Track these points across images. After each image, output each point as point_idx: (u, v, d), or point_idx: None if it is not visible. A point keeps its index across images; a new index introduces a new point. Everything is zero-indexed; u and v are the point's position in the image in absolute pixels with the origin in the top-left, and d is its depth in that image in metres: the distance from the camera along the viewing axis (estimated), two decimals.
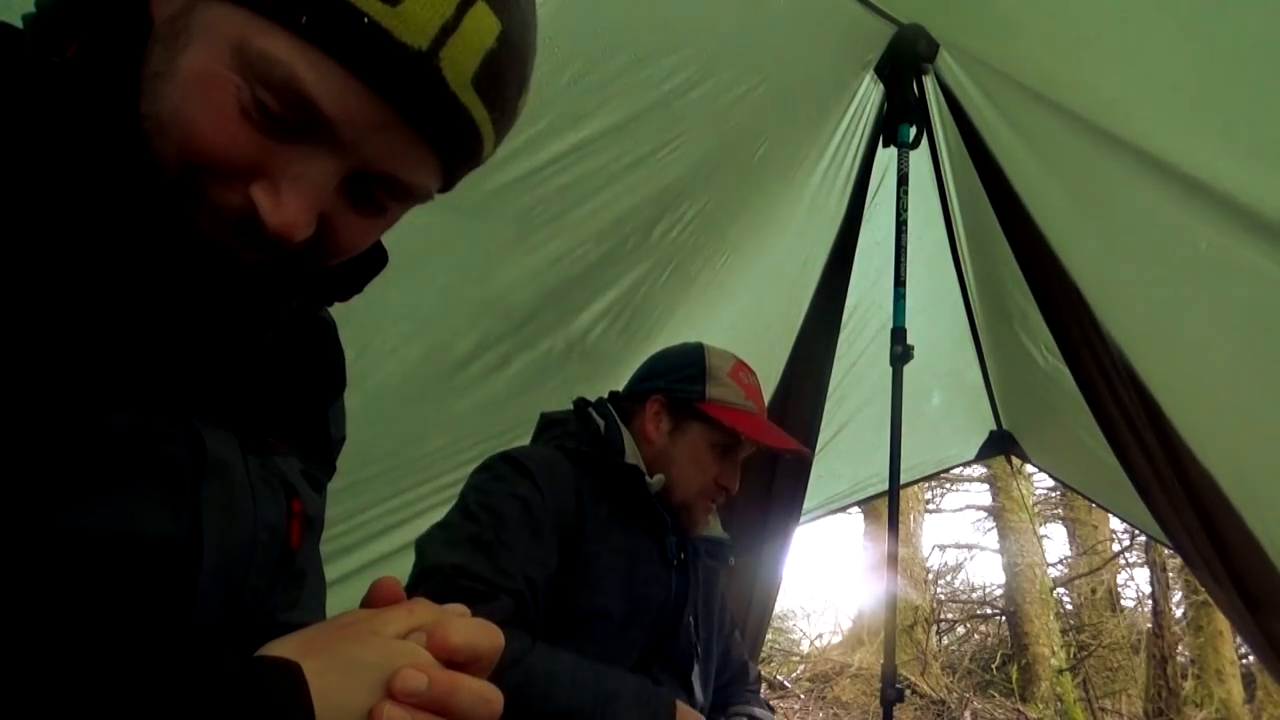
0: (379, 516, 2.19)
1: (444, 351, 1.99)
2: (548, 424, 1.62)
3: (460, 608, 0.60)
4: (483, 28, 0.54)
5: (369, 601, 0.60)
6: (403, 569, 1.49)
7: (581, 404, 1.60)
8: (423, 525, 1.46)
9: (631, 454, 1.52)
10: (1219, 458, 2.10)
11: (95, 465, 0.51)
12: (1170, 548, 2.88)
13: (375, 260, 0.68)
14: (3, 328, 0.49)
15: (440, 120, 0.54)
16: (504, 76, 0.56)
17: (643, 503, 1.50)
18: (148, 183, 0.52)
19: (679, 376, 1.59)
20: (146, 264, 0.54)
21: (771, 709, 1.75)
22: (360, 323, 1.74)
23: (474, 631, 0.57)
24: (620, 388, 1.69)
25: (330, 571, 2.13)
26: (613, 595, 1.44)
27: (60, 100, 0.53)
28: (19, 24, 0.59)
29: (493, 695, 0.55)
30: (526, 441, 1.66)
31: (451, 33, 0.52)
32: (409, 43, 0.51)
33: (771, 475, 2.64)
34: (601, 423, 1.54)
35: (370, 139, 0.53)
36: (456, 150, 0.57)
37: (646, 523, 1.52)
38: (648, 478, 1.50)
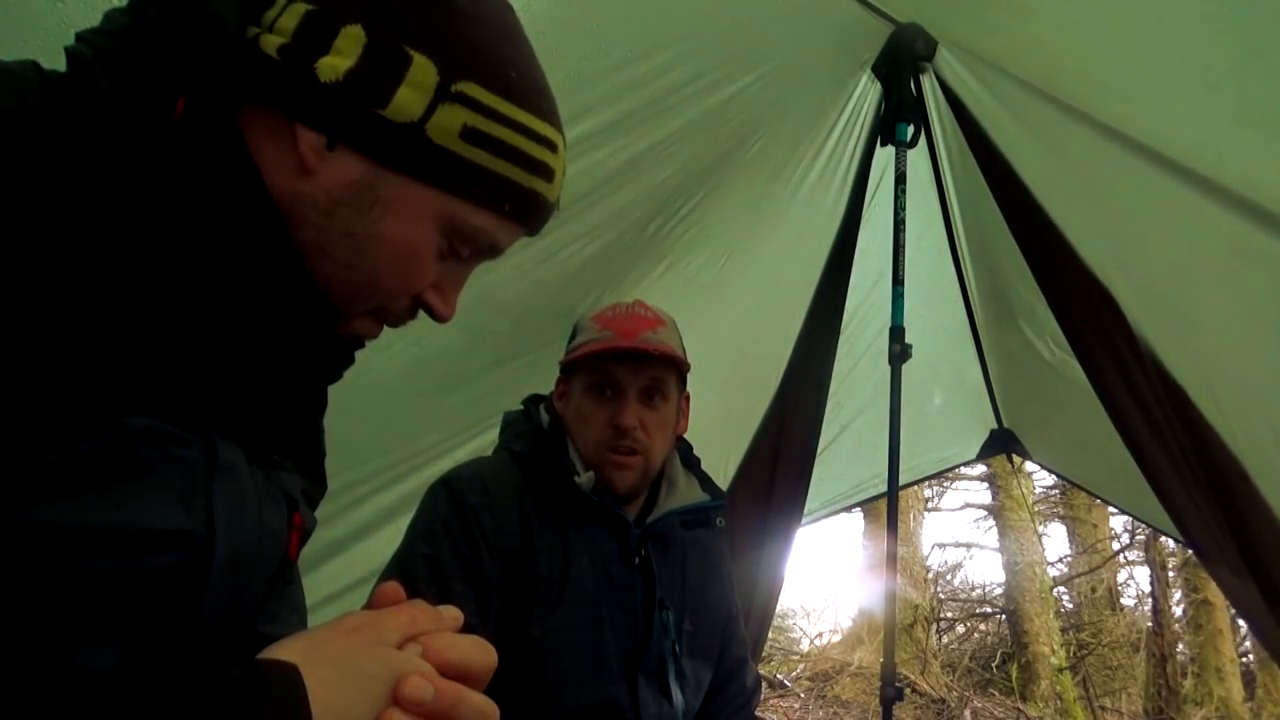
0: (370, 510, 2.17)
1: (436, 347, 1.97)
2: (503, 425, 1.55)
3: (456, 612, 0.62)
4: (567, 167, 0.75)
5: (371, 605, 0.62)
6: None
7: (531, 400, 1.54)
8: None
9: (574, 448, 1.44)
10: (1249, 446, 2.04)
11: (113, 463, 0.54)
12: (1183, 541, 2.84)
13: None
14: (55, 334, 0.52)
15: None
16: None
17: (587, 500, 1.39)
18: (308, 298, 0.65)
19: (565, 350, 1.50)
20: (262, 331, 0.65)
21: None
22: None
23: (469, 649, 0.59)
24: None
25: (323, 572, 2.11)
26: (575, 623, 1.35)
27: (186, 164, 0.60)
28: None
29: (492, 711, 0.58)
30: None
31: (563, 177, 0.73)
32: (554, 200, 0.73)
33: (772, 477, 2.63)
34: (546, 418, 1.47)
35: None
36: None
37: (603, 520, 1.41)
38: (577, 475, 1.39)
